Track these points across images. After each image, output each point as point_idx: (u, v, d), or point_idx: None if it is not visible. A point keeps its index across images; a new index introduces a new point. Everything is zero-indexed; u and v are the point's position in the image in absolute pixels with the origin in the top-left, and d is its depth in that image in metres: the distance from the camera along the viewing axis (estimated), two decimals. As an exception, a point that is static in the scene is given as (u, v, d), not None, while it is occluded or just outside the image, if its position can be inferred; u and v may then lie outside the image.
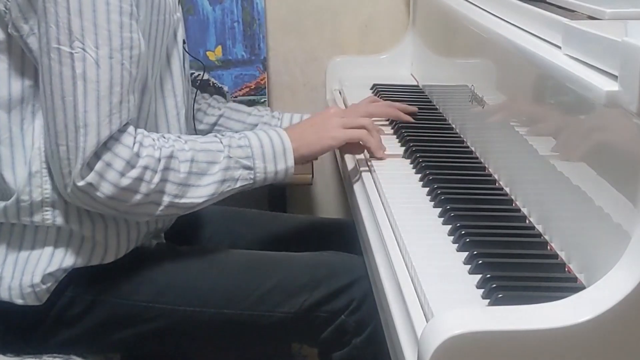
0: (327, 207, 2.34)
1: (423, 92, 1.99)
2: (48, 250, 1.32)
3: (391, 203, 1.30)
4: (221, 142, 1.34)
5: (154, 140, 1.28)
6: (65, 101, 1.21)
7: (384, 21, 2.25)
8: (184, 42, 1.45)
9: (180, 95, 1.42)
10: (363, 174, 1.47)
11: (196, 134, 1.54)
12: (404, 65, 2.19)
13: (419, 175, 1.43)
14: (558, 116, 1.18)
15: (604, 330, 0.87)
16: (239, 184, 1.34)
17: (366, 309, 1.36)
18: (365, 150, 1.51)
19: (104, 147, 1.23)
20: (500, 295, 0.99)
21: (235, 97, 2.17)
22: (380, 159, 1.49)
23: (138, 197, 1.26)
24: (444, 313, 0.90)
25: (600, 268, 0.96)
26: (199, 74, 1.71)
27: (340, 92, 2.04)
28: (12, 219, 1.32)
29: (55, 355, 1.37)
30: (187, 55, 1.46)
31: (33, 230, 1.33)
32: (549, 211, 1.18)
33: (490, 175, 1.43)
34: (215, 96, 1.69)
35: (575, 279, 1.06)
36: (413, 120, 1.67)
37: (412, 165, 1.48)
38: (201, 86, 1.79)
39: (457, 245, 1.16)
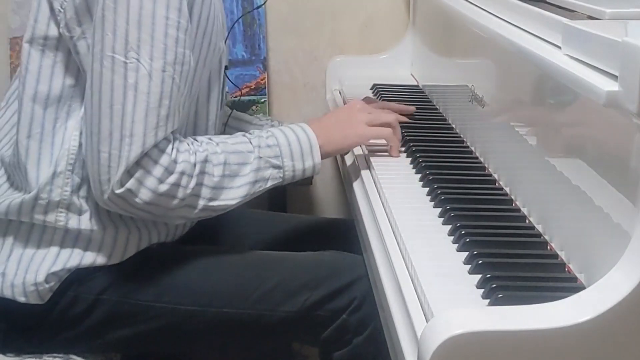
0: (327, 207, 2.34)
1: (423, 92, 1.99)
2: (54, 250, 1.33)
3: (391, 203, 1.30)
4: (251, 143, 1.35)
5: (188, 145, 1.29)
6: (114, 109, 1.22)
7: (384, 21, 2.25)
8: (225, 68, 1.46)
9: (212, 121, 1.44)
10: (363, 173, 1.47)
11: None
12: (404, 65, 2.19)
13: (419, 175, 1.43)
14: (558, 116, 1.18)
15: (604, 330, 0.87)
16: (269, 184, 1.36)
17: (367, 308, 1.36)
18: (365, 147, 1.54)
19: (145, 154, 1.24)
20: (500, 295, 0.99)
21: (236, 97, 2.17)
22: (395, 156, 1.51)
23: (175, 202, 1.27)
24: (444, 313, 0.90)
25: (600, 268, 0.96)
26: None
27: (340, 92, 2.04)
28: (24, 216, 1.32)
29: (55, 355, 1.38)
30: (226, 80, 1.48)
31: (41, 229, 1.33)
32: (549, 211, 1.18)
33: (490, 175, 1.43)
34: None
35: (575, 279, 1.06)
36: (409, 121, 1.67)
37: (412, 165, 1.48)
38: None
39: (457, 245, 1.16)
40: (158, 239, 1.41)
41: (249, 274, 1.41)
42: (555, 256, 1.12)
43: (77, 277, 1.34)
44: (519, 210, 1.28)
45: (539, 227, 1.20)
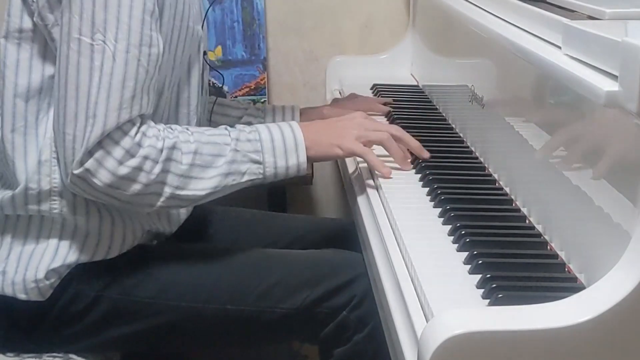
0: (327, 207, 2.34)
1: (423, 92, 1.99)
2: (52, 244, 1.33)
3: (391, 203, 1.30)
4: (229, 135, 1.34)
5: (159, 130, 1.28)
6: (79, 91, 1.22)
7: (384, 21, 2.25)
8: (204, 54, 1.45)
9: (194, 106, 1.42)
10: (363, 174, 1.46)
11: None
12: (404, 65, 2.19)
13: (419, 175, 1.43)
14: (558, 116, 1.18)
15: (604, 330, 0.87)
16: (245, 178, 1.34)
17: (367, 305, 1.36)
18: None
19: (107, 136, 1.23)
20: (500, 295, 0.99)
21: (235, 97, 2.17)
22: (382, 175, 1.42)
23: (137, 186, 1.26)
24: (444, 313, 0.90)
25: (600, 268, 0.96)
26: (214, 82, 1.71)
27: (340, 92, 2.04)
28: (19, 209, 1.32)
29: (55, 355, 1.38)
30: (207, 66, 1.47)
31: (38, 222, 1.33)
32: (549, 211, 1.18)
33: (490, 175, 1.43)
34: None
35: (575, 279, 1.06)
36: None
37: (412, 165, 1.48)
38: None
39: (457, 245, 1.16)
40: (150, 228, 1.40)
41: (250, 271, 1.41)
42: (555, 256, 1.12)
43: (77, 274, 1.34)
44: (519, 210, 1.28)
45: (539, 227, 1.20)
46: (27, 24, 1.30)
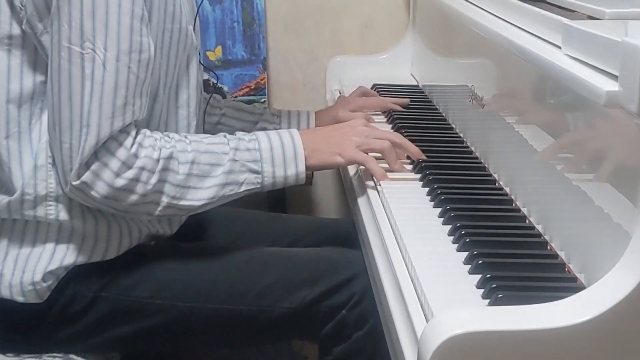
0: (327, 207, 2.34)
1: (423, 92, 1.99)
2: (49, 247, 1.33)
3: (391, 203, 1.30)
4: (228, 144, 1.33)
5: (155, 140, 1.28)
6: (73, 100, 1.22)
7: (384, 21, 2.25)
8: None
9: (194, 107, 1.42)
10: (363, 174, 1.46)
11: None
12: (404, 65, 2.19)
13: (419, 175, 1.43)
14: (558, 116, 1.18)
15: (604, 330, 0.87)
16: (243, 188, 1.34)
17: (367, 303, 1.36)
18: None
19: (103, 147, 1.23)
20: (500, 295, 0.99)
21: (235, 97, 2.17)
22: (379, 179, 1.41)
23: (134, 197, 1.26)
24: (444, 313, 0.90)
25: (600, 268, 0.96)
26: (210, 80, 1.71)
27: (340, 92, 2.04)
28: (15, 214, 1.32)
29: (54, 355, 1.38)
30: (201, 65, 1.47)
31: (35, 226, 1.33)
32: (549, 211, 1.18)
33: (490, 175, 1.43)
34: (214, 95, 1.69)
35: (575, 279, 1.06)
36: (401, 108, 1.72)
37: (412, 166, 1.48)
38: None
39: (457, 245, 1.16)
40: (149, 231, 1.40)
41: (248, 270, 1.41)
42: (555, 256, 1.12)
43: (74, 275, 1.34)
44: (519, 210, 1.28)
45: (539, 227, 1.20)
46: (16, 30, 1.29)
